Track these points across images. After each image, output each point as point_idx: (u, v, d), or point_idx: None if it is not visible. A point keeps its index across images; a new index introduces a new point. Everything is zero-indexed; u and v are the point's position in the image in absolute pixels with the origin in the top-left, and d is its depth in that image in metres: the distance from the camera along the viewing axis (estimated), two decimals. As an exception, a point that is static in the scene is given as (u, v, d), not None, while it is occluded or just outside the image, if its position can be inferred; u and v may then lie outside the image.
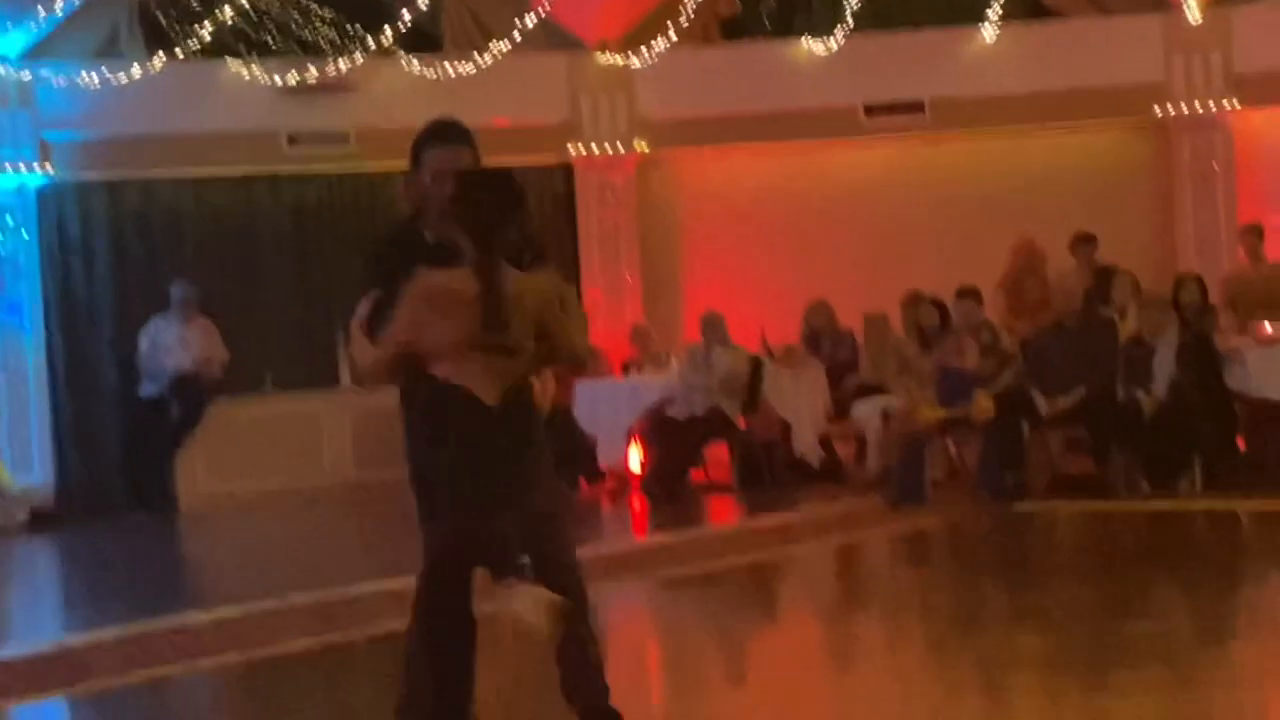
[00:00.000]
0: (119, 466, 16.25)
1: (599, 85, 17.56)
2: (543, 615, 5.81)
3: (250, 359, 16.70)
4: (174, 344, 16.13)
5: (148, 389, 16.18)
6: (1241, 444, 13.81)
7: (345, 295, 18.43)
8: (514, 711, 6.87)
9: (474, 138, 6.37)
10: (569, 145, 17.31)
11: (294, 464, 16.38)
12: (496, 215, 6.06)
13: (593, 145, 17.41)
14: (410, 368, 6.09)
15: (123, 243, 16.78)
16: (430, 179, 6.28)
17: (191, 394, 16.13)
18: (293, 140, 17.05)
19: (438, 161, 6.29)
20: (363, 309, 6.23)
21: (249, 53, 17.10)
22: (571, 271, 17.67)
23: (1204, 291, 14.59)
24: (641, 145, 17.70)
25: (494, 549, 5.95)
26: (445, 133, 6.33)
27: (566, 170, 17.48)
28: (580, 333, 6.25)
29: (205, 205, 17.04)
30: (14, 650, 9.24)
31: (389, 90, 17.18)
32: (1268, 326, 13.87)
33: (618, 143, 17.56)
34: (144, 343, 16.13)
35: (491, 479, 5.96)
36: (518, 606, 5.85)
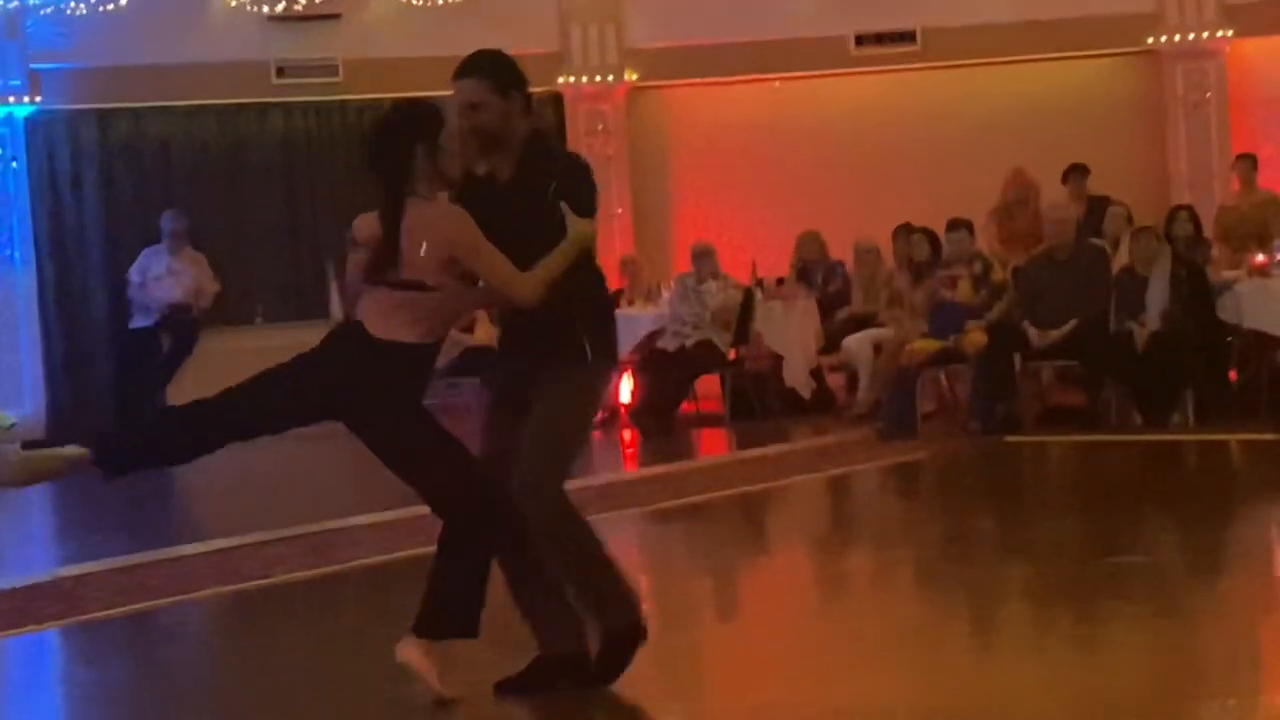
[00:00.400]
0: (109, 398, 16.24)
1: (588, 14, 17.48)
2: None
3: (241, 290, 16.69)
4: (164, 275, 16.11)
5: (138, 320, 16.17)
6: (1233, 376, 13.82)
7: (336, 226, 18.54)
8: (502, 636, 6.88)
9: (492, 67, 6.31)
10: (559, 76, 17.25)
11: (285, 396, 16.31)
12: (377, 149, 6.13)
13: (582, 76, 17.33)
14: None
15: (112, 173, 16.76)
16: (454, 115, 6.29)
17: (182, 325, 16.12)
18: (281, 70, 16.98)
19: (453, 97, 6.29)
20: None
21: (237, -18, 17.02)
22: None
23: (1196, 223, 14.58)
24: (631, 75, 17.63)
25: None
26: (459, 68, 6.31)
27: (556, 100, 17.42)
28: (553, 260, 6.19)
29: (194, 135, 17.01)
30: (6, 581, 9.25)
31: (378, 20, 17.12)
32: (1260, 257, 13.85)
33: (608, 74, 17.49)
34: (134, 274, 16.11)
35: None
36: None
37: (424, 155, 6.08)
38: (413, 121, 6.14)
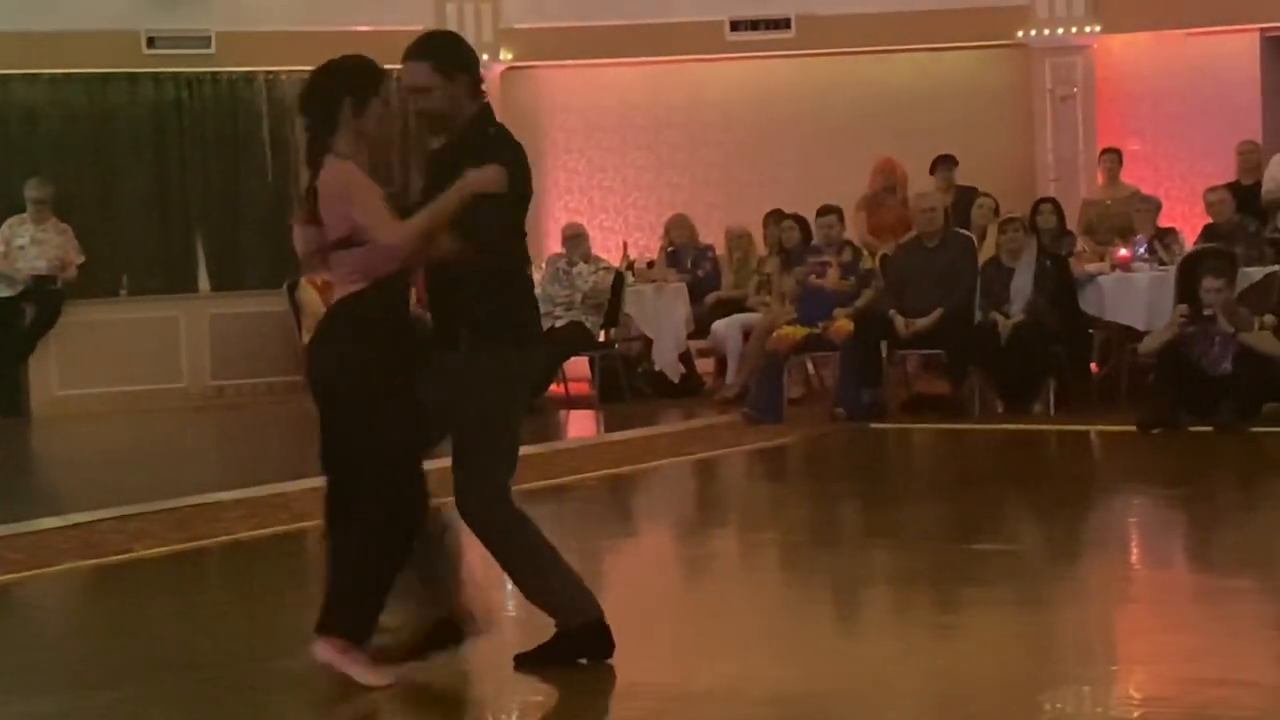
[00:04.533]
0: (-31, 368, 16.00)
1: (465, -8, 17.42)
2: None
3: (106, 262, 16.50)
4: (28, 245, 15.90)
5: (0, 290, 15.93)
6: (1094, 368, 14.03)
7: (205, 198, 18.38)
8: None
9: (439, 48, 6.31)
10: (433, 54, 17.15)
11: (149, 370, 16.20)
12: (304, 102, 6.28)
13: (457, 54, 17.23)
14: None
15: (-24, 140, 16.51)
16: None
17: (46, 296, 15.90)
18: (152, 40, 16.79)
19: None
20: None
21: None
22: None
23: (1060, 216, 14.76)
24: (506, 55, 17.58)
25: None
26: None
27: (430, 79, 17.29)
28: (431, 209, 6.19)
29: (62, 104, 16.80)
30: None
31: (250, -8, 16.98)
32: (1123, 251, 14.06)
33: (483, 54, 17.43)
34: (-4, 244, 15.89)
35: None
36: None
37: (349, 110, 6.07)
38: (339, 76, 6.13)
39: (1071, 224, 15.15)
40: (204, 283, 17.15)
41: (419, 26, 16.66)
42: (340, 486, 6.13)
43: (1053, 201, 15.02)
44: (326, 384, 6.07)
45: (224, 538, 9.30)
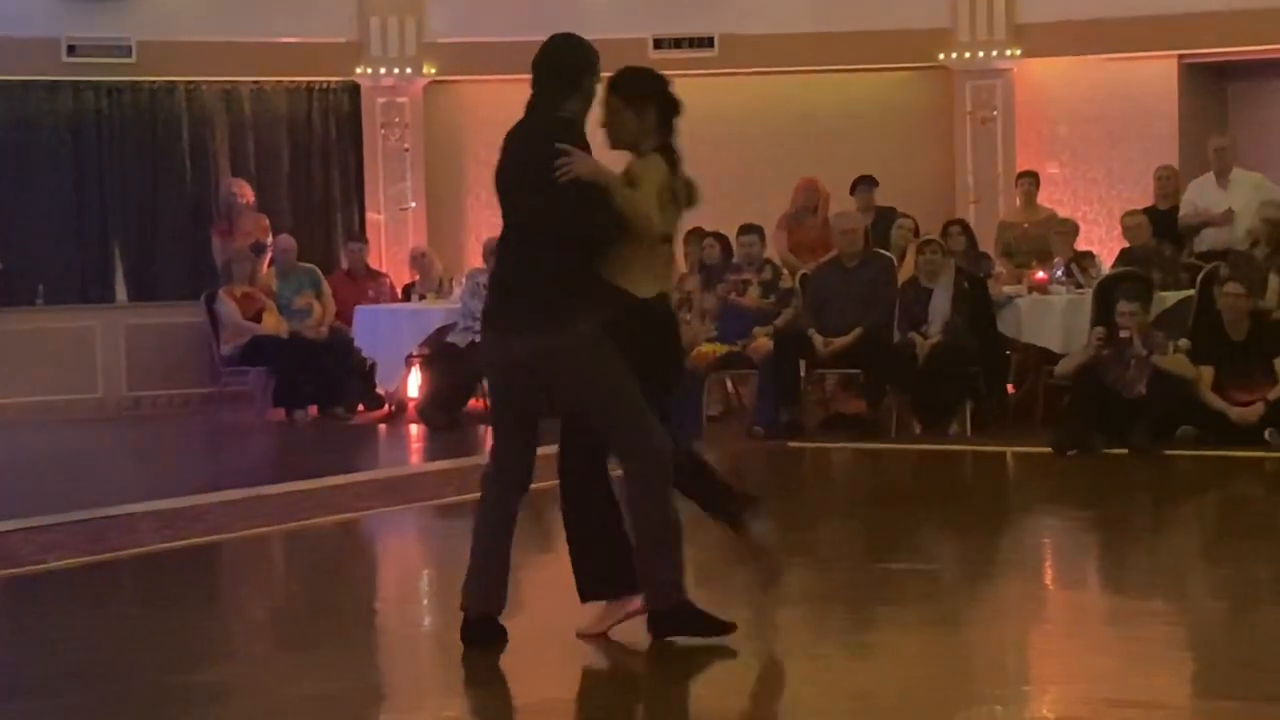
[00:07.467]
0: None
1: (388, 6, 17.33)
2: None
3: (22, 271, 16.38)
4: (-57, 253, 15.78)
5: (-86, 299, 15.82)
6: (1011, 389, 14.12)
7: (124, 208, 18.19)
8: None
9: None
10: (356, 66, 17.10)
11: (65, 380, 16.09)
12: None
13: (380, 68, 17.21)
14: None
15: (-108, 147, 16.35)
16: None
17: (-40, 305, 15.79)
18: (73, 48, 16.68)
19: None
20: None
21: (29, -43, 16.69)
22: (355, 194, 17.56)
23: (971, 237, 14.87)
24: (430, 69, 17.55)
25: None
26: None
27: (353, 91, 17.25)
28: None
29: (-22, 112, 16.67)
30: None
31: (174, 1, 16.88)
32: (1040, 274, 14.17)
33: (406, 67, 17.39)
34: (-89, 251, 15.76)
35: None
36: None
37: None
38: None
39: (987, 246, 15.25)
40: (121, 293, 17.03)
41: (341, 39, 16.89)
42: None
43: (961, 223, 15.13)
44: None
45: (138, 549, 9.24)
